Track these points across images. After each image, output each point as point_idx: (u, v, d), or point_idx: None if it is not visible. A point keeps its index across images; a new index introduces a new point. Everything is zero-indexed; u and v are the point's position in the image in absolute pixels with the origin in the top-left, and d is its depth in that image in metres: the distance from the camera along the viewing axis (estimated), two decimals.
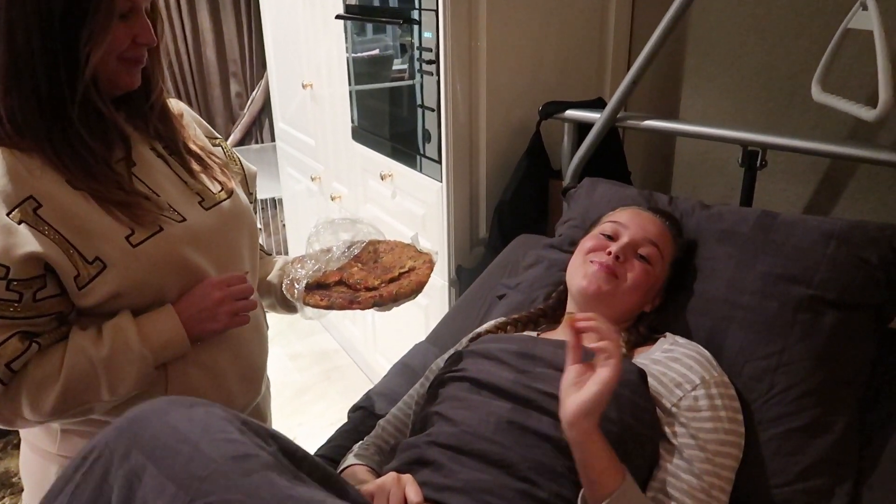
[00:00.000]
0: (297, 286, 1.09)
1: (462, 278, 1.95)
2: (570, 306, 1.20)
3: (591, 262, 1.15)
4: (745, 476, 1.01)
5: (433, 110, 1.85)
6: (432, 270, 1.14)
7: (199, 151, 1.10)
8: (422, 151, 1.95)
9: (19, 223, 0.88)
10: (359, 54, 2.19)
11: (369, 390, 1.41)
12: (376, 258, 1.18)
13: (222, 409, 0.76)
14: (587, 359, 0.87)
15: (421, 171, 1.98)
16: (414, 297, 1.10)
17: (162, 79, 1.04)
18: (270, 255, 1.31)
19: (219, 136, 1.21)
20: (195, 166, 1.08)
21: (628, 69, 1.60)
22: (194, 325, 0.99)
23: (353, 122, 2.31)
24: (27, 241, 0.87)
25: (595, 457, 0.84)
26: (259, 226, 1.21)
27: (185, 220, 1.00)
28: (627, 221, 1.20)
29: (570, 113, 1.76)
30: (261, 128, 3.70)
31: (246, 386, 1.13)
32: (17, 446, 2.19)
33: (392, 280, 1.11)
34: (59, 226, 0.90)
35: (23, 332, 0.91)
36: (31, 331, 0.92)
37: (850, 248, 1.14)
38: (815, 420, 1.05)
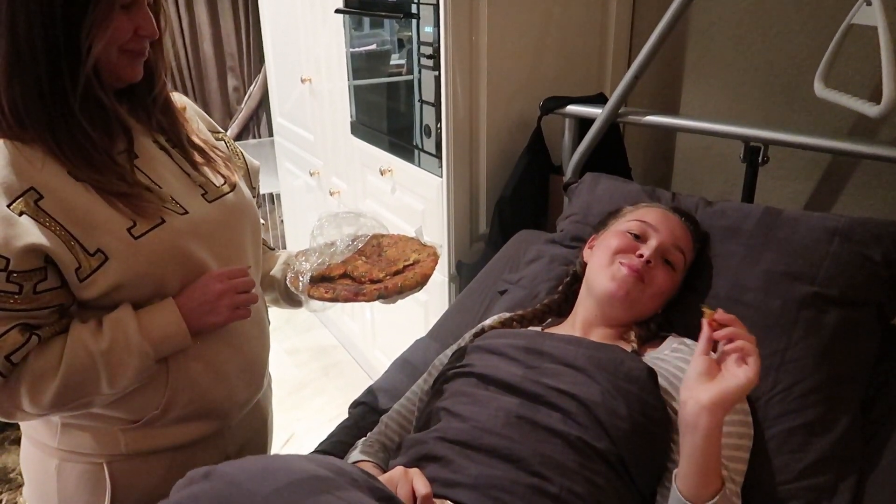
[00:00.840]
0: (301, 279, 1.09)
1: (462, 274, 1.94)
2: (587, 304, 1.17)
3: (621, 263, 1.11)
4: (748, 473, 1.00)
5: (433, 105, 1.84)
6: (437, 263, 1.13)
7: (202, 145, 1.09)
8: (421, 146, 1.95)
9: (20, 214, 0.87)
10: (356, 49, 2.18)
11: (370, 386, 1.40)
12: (380, 251, 1.18)
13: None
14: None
15: (420, 166, 1.97)
16: (419, 290, 1.10)
17: (165, 72, 1.03)
18: (273, 250, 1.30)
19: (221, 131, 1.20)
20: (198, 159, 1.07)
21: (629, 64, 1.60)
22: (195, 318, 0.99)
23: (352, 116, 2.30)
24: (28, 233, 0.87)
25: (717, 447, 0.84)
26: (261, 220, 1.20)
27: (187, 212, 1.00)
28: (657, 223, 1.16)
29: (571, 108, 1.75)
30: (258, 123, 3.69)
31: (247, 380, 1.12)
32: (15, 442, 2.19)
33: (396, 273, 1.10)
34: (61, 217, 0.89)
35: (23, 324, 0.90)
36: (32, 323, 0.91)
37: (854, 245, 1.14)
38: (818, 417, 1.04)
